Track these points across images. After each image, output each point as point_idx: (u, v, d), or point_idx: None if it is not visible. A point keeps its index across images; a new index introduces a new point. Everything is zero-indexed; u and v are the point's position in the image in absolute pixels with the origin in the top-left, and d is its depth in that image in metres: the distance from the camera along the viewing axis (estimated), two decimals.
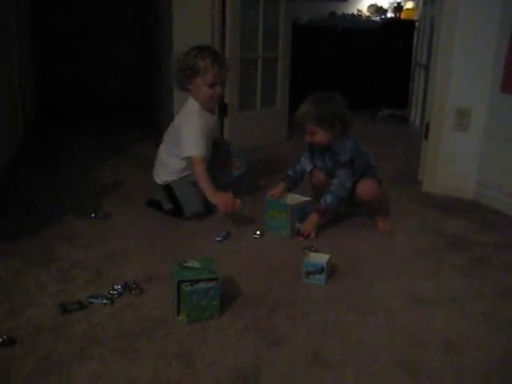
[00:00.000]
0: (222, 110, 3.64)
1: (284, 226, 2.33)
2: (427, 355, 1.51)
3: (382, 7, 6.28)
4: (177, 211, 2.45)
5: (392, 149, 3.99)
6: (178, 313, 1.65)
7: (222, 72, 2.39)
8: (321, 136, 2.32)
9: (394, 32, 5.79)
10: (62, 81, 5.89)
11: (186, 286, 1.63)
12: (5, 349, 1.47)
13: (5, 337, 1.49)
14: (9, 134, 3.52)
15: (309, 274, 1.90)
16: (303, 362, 1.47)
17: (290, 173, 2.49)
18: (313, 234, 2.29)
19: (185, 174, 2.47)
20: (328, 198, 2.30)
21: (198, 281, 1.64)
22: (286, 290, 1.86)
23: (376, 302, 1.80)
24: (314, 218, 2.31)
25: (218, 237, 2.26)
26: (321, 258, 1.93)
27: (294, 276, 1.94)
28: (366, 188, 2.34)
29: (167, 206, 2.48)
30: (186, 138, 2.37)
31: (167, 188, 2.48)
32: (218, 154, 2.60)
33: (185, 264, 1.72)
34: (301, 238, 2.28)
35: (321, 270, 1.90)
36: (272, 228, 2.37)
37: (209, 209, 2.46)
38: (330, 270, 1.95)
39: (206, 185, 2.33)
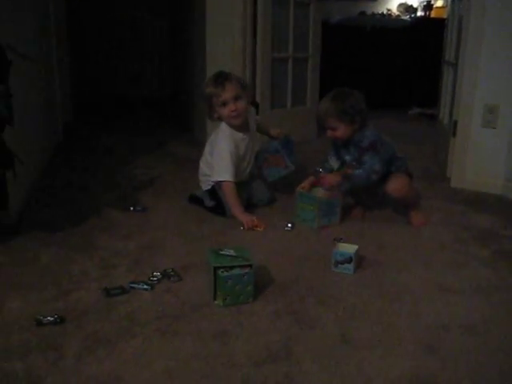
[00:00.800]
0: (254, 109, 3.74)
1: (312, 218, 2.43)
2: (451, 338, 1.58)
3: (411, 6, 6.31)
4: (219, 209, 2.55)
5: (421, 146, 4.03)
6: (215, 297, 1.76)
7: (229, 89, 2.48)
8: (342, 131, 2.39)
9: (424, 30, 5.80)
10: (96, 80, 6.07)
11: (222, 271, 1.73)
12: (56, 327, 1.60)
13: (55, 316, 1.62)
14: (49, 133, 3.68)
15: (338, 263, 1.99)
16: (332, 343, 1.55)
17: (320, 169, 2.57)
18: (329, 184, 2.42)
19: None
20: (358, 171, 2.37)
21: (233, 267, 1.74)
22: (316, 277, 1.95)
23: (402, 290, 1.88)
24: (336, 175, 2.43)
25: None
26: (349, 249, 2.01)
27: (324, 265, 2.03)
28: (396, 186, 2.39)
29: (209, 203, 2.59)
30: (215, 163, 2.54)
31: (211, 190, 2.60)
32: (268, 151, 2.73)
33: (220, 252, 1.82)
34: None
35: (349, 260, 1.98)
36: (301, 219, 2.47)
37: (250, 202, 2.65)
38: (358, 260, 2.03)
39: (233, 204, 2.49)
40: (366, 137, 2.39)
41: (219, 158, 2.52)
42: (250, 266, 1.76)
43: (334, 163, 2.55)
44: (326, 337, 1.59)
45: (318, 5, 4.13)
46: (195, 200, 2.68)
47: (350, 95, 2.41)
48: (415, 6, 6.34)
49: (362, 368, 1.45)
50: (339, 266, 1.99)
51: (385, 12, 6.32)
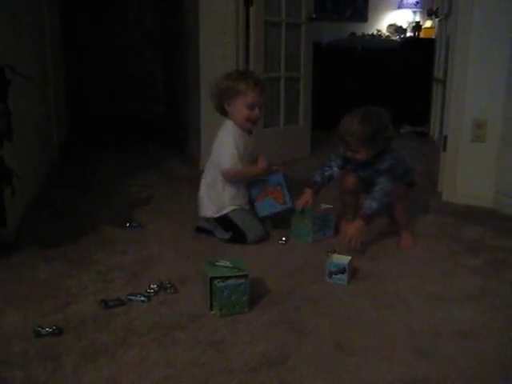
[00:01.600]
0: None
1: (306, 232, 2.46)
2: (443, 343, 1.62)
3: (401, 27, 6.43)
4: (237, 238, 2.43)
5: (413, 162, 4.07)
6: (211, 308, 1.79)
7: (262, 95, 2.46)
8: (364, 154, 2.34)
9: (413, 50, 5.91)
10: (91, 99, 6.14)
11: (218, 282, 1.76)
12: (54, 337, 1.62)
13: (54, 327, 1.64)
14: (45, 150, 3.72)
15: (331, 273, 2.02)
16: (327, 350, 1.58)
17: (319, 179, 2.50)
18: (358, 242, 2.26)
19: (238, 203, 2.49)
20: (373, 204, 2.28)
21: (228, 277, 1.78)
22: (311, 288, 1.98)
23: (395, 298, 1.91)
24: (358, 224, 2.28)
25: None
26: (343, 259, 2.05)
27: (318, 276, 2.06)
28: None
29: (225, 235, 2.46)
30: (221, 153, 2.45)
31: (222, 219, 2.47)
32: (269, 182, 2.55)
33: (216, 263, 1.86)
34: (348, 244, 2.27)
35: (343, 270, 2.01)
36: (295, 235, 2.50)
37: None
38: (352, 271, 2.07)
39: (251, 172, 2.51)
40: (384, 160, 2.36)
41: (224, 147, 2.45)
42: (246, 276, 1.79)
43: (335, 172, 2.51)
44: (321, 344, 1.61)
45: (308, 26, 4.22)
46: (204, 231, 2.56)
47: (379, 118, 2.33)
48: (404, 26, 6.46)
49: (357, 373, 1.47)
50: (333, 276, 2.02)
51: (375, 33, 6.44)
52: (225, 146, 2.45)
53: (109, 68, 6.28)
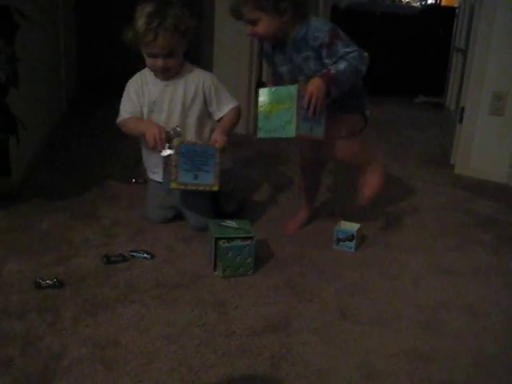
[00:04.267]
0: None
1: (287, 120, 1.67)
2: (449, 317, 1.58)
3: None
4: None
5: (426, 132, 4.01)
6: (215, 268, 1.75)
7: (164, 41, 1.94)
8: (265, 24, 1.75)
9: (433, 18, 5.76)
10: (98, 56, 6.01)
11: (223, 242, 1.73)
12: (54, 290, 1.59)
13: (55, 279, 1.62)
14: (53, 103, 3.66)
15: (339, 240, 1.98)
16: (331, 318, 1.55)
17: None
18: (319, 102, 1.68)
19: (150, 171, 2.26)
20: (341, 65, 1.70)
21: (234, 238, 1.74)
22: (317, 254, 1.94)
23: (403, 269, 1.87)
24: (317, 81, 1.69)
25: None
26: (351, 227, 2.01)
27: (325, 242, 2.02)
28: (338, 147, 1.84)
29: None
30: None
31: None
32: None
33: (222, 223, 1.82)
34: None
35: (351, 238, 1.97)
36: (269, 131, 1.74)
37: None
38: (360, 240, 2.03)
39: (137, 125, 2.14)
40: (317, 29, 1.74)
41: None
42: (251, 238, 1.75)
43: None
44: (325, 311, 1.58)
45: None
46: None
47: None
48: None
49: (361, 342, 1.45)
50: (341, 243, 1.98)
51: None
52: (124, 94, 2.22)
53: (121, 26, 6.13)
